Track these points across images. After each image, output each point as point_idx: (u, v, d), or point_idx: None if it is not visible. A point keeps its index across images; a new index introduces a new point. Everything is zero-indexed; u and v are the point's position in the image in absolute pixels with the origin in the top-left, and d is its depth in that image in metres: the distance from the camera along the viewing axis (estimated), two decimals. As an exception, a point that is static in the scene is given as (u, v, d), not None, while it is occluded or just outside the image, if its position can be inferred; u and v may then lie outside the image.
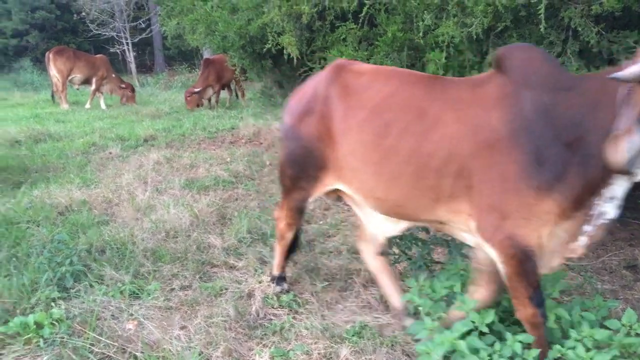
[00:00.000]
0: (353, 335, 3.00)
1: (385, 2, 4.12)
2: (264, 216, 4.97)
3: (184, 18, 5.67)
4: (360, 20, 4.30)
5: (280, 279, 3.59)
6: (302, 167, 3.09)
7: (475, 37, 3.60)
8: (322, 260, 4.08)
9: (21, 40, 25.92)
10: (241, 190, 5.99)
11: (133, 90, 14.69)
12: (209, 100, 13.68)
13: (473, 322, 2.58)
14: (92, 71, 14.07)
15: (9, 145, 8.57)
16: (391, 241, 3.67)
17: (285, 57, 4.79)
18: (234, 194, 5.85)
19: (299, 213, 3.35)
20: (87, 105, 13.92)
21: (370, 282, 3.68)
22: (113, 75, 14.41)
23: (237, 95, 14.58)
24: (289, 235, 3.47)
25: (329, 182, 3.06)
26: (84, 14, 19.69)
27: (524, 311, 2.50)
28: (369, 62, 4.21)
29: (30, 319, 2.97)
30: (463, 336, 2.50)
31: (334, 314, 3.32)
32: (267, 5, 4.75)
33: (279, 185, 3.40)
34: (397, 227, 3.00)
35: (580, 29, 3.39)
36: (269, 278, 3.65)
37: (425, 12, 3.77)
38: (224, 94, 14.56)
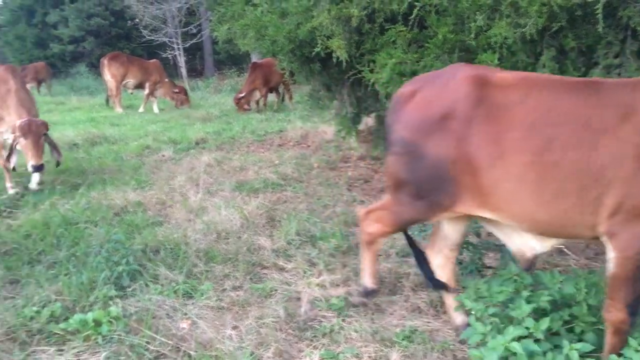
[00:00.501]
0: (403, 339, 2.98)
1: (436, 4, 4.08)
2: (313, 218, 4.99)
3: (235, 23, 5.76)
4: (410, 23, 4.27)
5: (370, 292, 3.36)
6: (425, 190, 2.78)
7: (529, 37, 3.52)
8: (371, 263, 4.06)
9: (77, 47, 26.93)
10: (290, 193, 6.04)
11: (186, 93, 15.03)
12: (257, 103, 13.87)
13: (527, 328, 2.52)
14: (145, 76, 14.46)
15: (67, 148, 8.91)
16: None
17: (334, 60, 4.80)
18: (283, 197, 5.91)
19: (402, 227, 3.14)
20: (141, 109, 14.34)
21: (420, 286, 3.66)
22: (166, 80, 14.78)
23: (283, 99, 14.72)
24: (381, 242, 3.31)
25: (463, 209, 2.74)
26: (137, 20, 20.33)
27: (615, 314, 2.44)
28: (418, 65, 4.19)
29: (89, 316, 3.09)
30: (517, 341, 2.45)
31: (384, 317, 3.31)
32: (316, 9, 4.78)
33: (388, 189, 3.10)
34: (545, 244, 2.74)
35: (639, 29, 3.28)
36: (361, 290, 3.46)
37: (477, 12, 3.72)
38: (272, 97, 14.73)
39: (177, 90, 14.73)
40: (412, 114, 2.79)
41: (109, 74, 14.38)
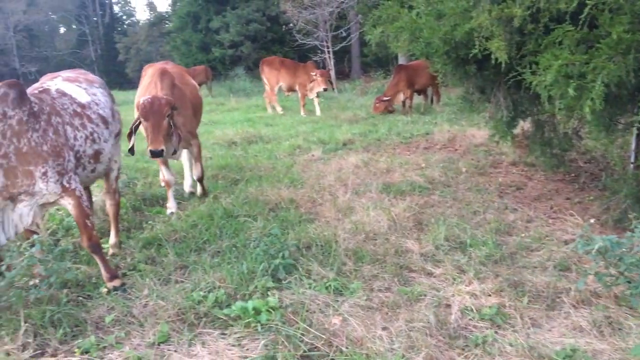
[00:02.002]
0: (564, 358, 2.81)
1: (609, 2, 3.79)
2: (462, 224, 4.88)
3: (389, 26, 5.80)
4: (580, 22, 4.00)
5: None
6: None
7: None
8: (526, 274, 3.88)
9: (236, 51, 28.83)
10: (437, 197, 5.96)
11: (323, 74, 14.33)
12: (403, 105, 13.82)
13: None
14: (295, 79, 14.89)
15: (227, 146, 9.60)
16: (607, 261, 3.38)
17: (492, 62, 4.65)
18: (430, 200, 5.84)
19: None
20: (302, 114, 14.43)
21: (582, 303, 3.42)
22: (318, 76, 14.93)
23: (432, 101, 14.52)
24: None
25: None
26: (291, 25, 21.25)
27: None
28: (588, 66, 3.91)
29: (250, 304, 3.30)
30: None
31: (541, 333, 3.14)
32: (475, 10, 4.66)
33: None
34: None
35: None
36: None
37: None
38: (418, 99, 14.61)
39: (314, 73, 14.29)
40: None
41: (264, 77, 15.17)
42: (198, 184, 6.18)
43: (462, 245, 4.47)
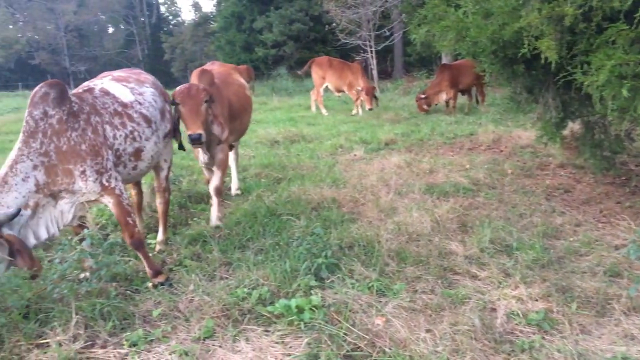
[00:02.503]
0: (614, 367, 2.73)
1: (668, -1, 3.65)
2: (508, 227, 4.78)
3: (435, 25, 5.74)
4: (635, 21, 3.87)
5: None
6: None
7: None
8: (575, 280, 3.78)
9: (279, 50, 29.06)
10: (482, 199, 5.86)
11: (369, 92, 13.90)
12: (447, 104, 13.66)
13: None
14: (341, 80, 14.78)
15: (269, 145, 9.69)
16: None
17: (542, 61, 4.55)
18: (475, 202, 5.75)
19: None
20: (354, 112, 14.32)
21: (634, 310, 3.31)
22: (360, 80, 14.47)
23: (477, 101, 14.30)
24: None
25: None
26: (334, 24, 21.28)
27: None
28: (641, 66, 3.78)
29: (293, 302, 3.32)
30: None
31: (590, 340, 3.05)
32: (524, 9, 4.56)
33: None
34: None
35: None
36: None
37: None
38: (462, 99, 14.41)
39: (360, 88, 14.02)
40: None
41: (313, 77, 15.19)
42: (214, 198, 5.28)
43: (507, 249, 4.39)
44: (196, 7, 56.66)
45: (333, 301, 3.45)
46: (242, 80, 6.37)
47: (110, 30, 61.58)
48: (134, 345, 3.09)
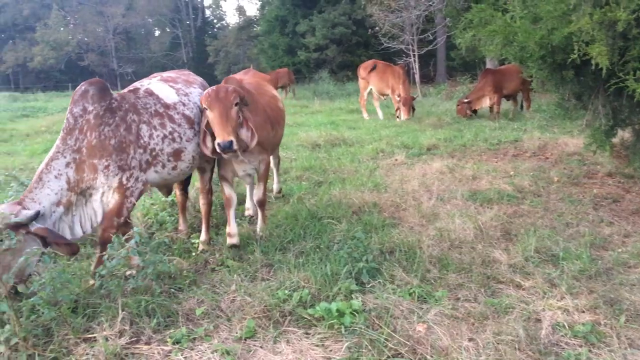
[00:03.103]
0: (666, 384, 2.63)
1: None
2: (554, 236, 4.68)
3: (481, 30, 5.67)
4: (694, 26, 3.74)
5: None
6: None
7: None
8: (623, 292, 3.66)
9: (321, 54, 29.21)
10: (527, 207, 5.74)
11: (406, 103, 13.45)
12: (491, 110, 13.45)
13: None
14: (385, 83, 14.63)
15: (310, 148, 9.73)
16: None
17: (592, 67, 4.44)
18: (519, 210, 5.64)
19: None
20: (403, 117, 13.47)
21: (688, 327, 3.19)
22: (401, 86, 14.03)
23: (522, 107, 14.03)
24: None
25: None
26: (377, 28, 21.24)
27: None
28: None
29: (334, 306, 3.33)
30: None
31: (639, 354, 2.95)
32: (575, 14, 4.47)
33: None
34: None
35: None
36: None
37: None
38: (507, 105, 14.17)
39: (399, 98, 13.64)
40: None
41: (359, 81, 15.17)
42: (258, 210, 5.05)
43: (553, 258, 4.29)
44: (240, 10, 57.45)
45: (374, 306, 3.44)
46: (275, 92, 5.85)
47: (157, 33, 63.03)
48: (178, 342, 3.15)
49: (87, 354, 3.01)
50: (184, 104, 4.43)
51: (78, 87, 3.88)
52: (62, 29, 53.64)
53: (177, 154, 4.28)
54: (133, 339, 3.19)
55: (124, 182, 3.85)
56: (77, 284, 3.61)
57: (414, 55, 21.16)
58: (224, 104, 4.13)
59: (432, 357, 2.89)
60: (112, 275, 3.52)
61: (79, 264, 4.29)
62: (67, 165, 3.68)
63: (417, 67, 21.39)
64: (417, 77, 21.69)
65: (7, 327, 2.98)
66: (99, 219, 3.87)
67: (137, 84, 4.46)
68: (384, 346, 2.99)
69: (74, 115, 3.74)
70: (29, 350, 2.99)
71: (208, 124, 4.27)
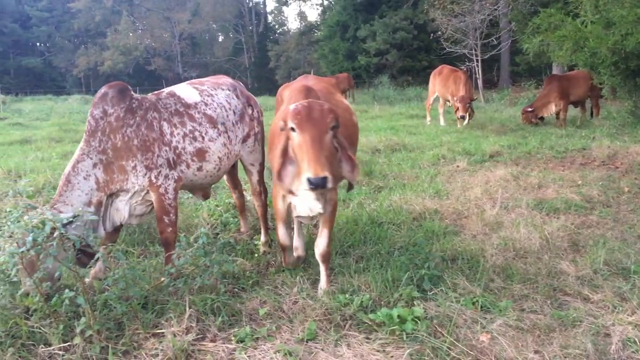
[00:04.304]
0: None
1: None
2: (625, 249, 4.50)
3: (550, 35, 5.54)
4: None
5: None
6: None
7: None
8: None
9: (381, 59, 29.15)
10: (596, 217, 5.55)
11: (462, 100, 12.98)
12: (557, 117, 13.04)
13: None
14: (447, 88, 14.21)
15: (370, 153, 9.73)
16: None
17: (670, 74, 4.26)
18: (588, 220, 5.46)
19: None
20: (459, 114, 13.08)
21: None
22: (461, 94, 13.44)
23: (591, 114, 13.52)
24: None
25: None
26: (439, 33, 20.99)
27: None
28: None
29: (395, 312, 3.32)
30: None
31: None
32: (652, 18, 4.30)
33: None
34: None
35: None
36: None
37: None
38: (574, 111, 13.70)
39: (456, 99, 13.20)
40: None
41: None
42: (321, 265, 3.89)
43: (624, 271, 4.13)
44: (302, 16, 58.20)
45: (436, 314, 3.41)
46: (347, 102, 4.73)
47: (221, 38, 64.60)
48: (242, 341, 3.23)
49: (155, 348, 3.13)
50: (206, 104, 4.37)
51: (98, 91, 3.96)
52: (130, 34, 55.87)
53: (201, 154, 4.22)
54: (199, 336, 3.29)
55: (154, 180, 3.89)
56: (147, 281, 3.75)
57: (477, 60, 20.79)
58: (319, 127, 3.19)
59: (496, 368, 2.85)
60: (180, 273, 3.65)
61: (148, 261, 4.45)
62: (95, 166, 3.75)
63: (480, 72, 20.99)
64: (479, 82, 21.29)
65: (83, 319, 3.13)
66: (122, 218, 3.93)
67: (163, 90, 4.48)
68: (447, 355, 2.97)
69: (94, 118, 3.81)
70: (102, 342, 3.14)
71: (285, 150, 3.35)
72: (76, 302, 3.15)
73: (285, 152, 3.35)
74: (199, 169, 4.25)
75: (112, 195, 3.89)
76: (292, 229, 4.32)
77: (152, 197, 3.95)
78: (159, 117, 4.02)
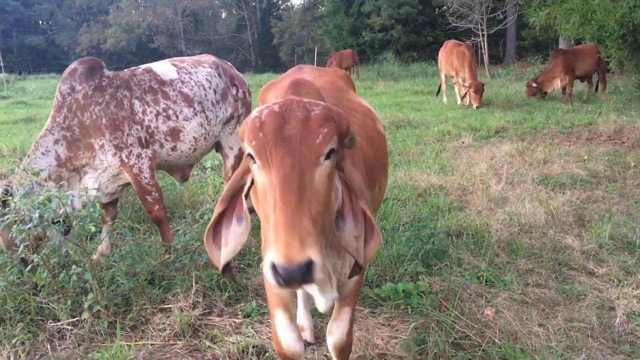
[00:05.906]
0: None
1: None
2: (630, 223, 4.50)
3: (557, 8, 5.46)
4: None
5: None
6: None
7: None
8: None
9: (386, 34, 28.84)
10: (601, 192, 5.53)
11: (477, 90, 12.22)
12: (563, 92, 12.91)
13: None
14: (450, 64, 13.37)
15: (375, 130, 9.67)
16: None
17: (679, 46, 4.20)
18: (593, 195, 5.44)
19: None
20: (475, 106, 12.18)
21: None
22: (466, 70, 12.73)
23: (596, 89, 13.38)
24: None
25: None
26: (445, 7, 20.73)
27: None
28: None
29: (400, 286, 3.34)
30: None
31: None
32: (662, -11, 4.23)
33: None
34: None
35: None
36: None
37: None
38: (581, 86, 13.57)
39: (467, 84, 12.49)
40: None
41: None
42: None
43: (629, 246, 4.14)
44: (305, -9, 57.37)
45: (441, 288, 3.43)
46: (367, 104, 2.86)
47: (223, 15, 63.93)
48: (248, 316, 3.26)
49: (163, 323, 3.16)
50: (182, 82, 4.19)
51: (69, 66, 3.91)
52: (133, 11, 55.36)
53: (174, 134, 4.07)
54: (206, 311, 3.32)
55: (125, 160, 3.83)
56: (154, 257, 3.78)
57: (482, 35, 20.54)
58: (299, 153, 1.55)
59: (500, 340, 2.87)
60: (186, 249, 3.67)
61: (154, 237, 4.48)
62: (56, 142, 3.72)
63: (485, 47, 20.75)
64: (485, 57, 21.05)
65: (90, 295, 3.17)
66: (92, 195, 3.81)
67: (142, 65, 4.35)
68: (451, 328, 2.99)
69: (62, 93, 3.78)
70: (109, 317, 3.18)
71: (236, 192, 1.81)
72: (84, 278, 3.18)
73: (233, 197, 1.79)
74: (173, 148, 4.11)
75: (78, 172, 3.84)
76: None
77: (128, 177, 3.88)
78: (130, 95, 3.92)
